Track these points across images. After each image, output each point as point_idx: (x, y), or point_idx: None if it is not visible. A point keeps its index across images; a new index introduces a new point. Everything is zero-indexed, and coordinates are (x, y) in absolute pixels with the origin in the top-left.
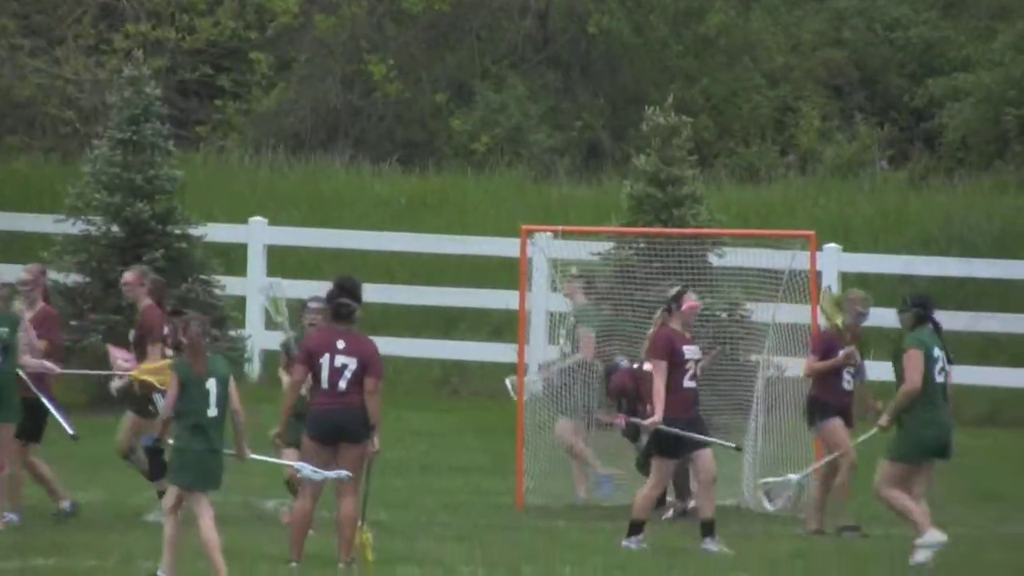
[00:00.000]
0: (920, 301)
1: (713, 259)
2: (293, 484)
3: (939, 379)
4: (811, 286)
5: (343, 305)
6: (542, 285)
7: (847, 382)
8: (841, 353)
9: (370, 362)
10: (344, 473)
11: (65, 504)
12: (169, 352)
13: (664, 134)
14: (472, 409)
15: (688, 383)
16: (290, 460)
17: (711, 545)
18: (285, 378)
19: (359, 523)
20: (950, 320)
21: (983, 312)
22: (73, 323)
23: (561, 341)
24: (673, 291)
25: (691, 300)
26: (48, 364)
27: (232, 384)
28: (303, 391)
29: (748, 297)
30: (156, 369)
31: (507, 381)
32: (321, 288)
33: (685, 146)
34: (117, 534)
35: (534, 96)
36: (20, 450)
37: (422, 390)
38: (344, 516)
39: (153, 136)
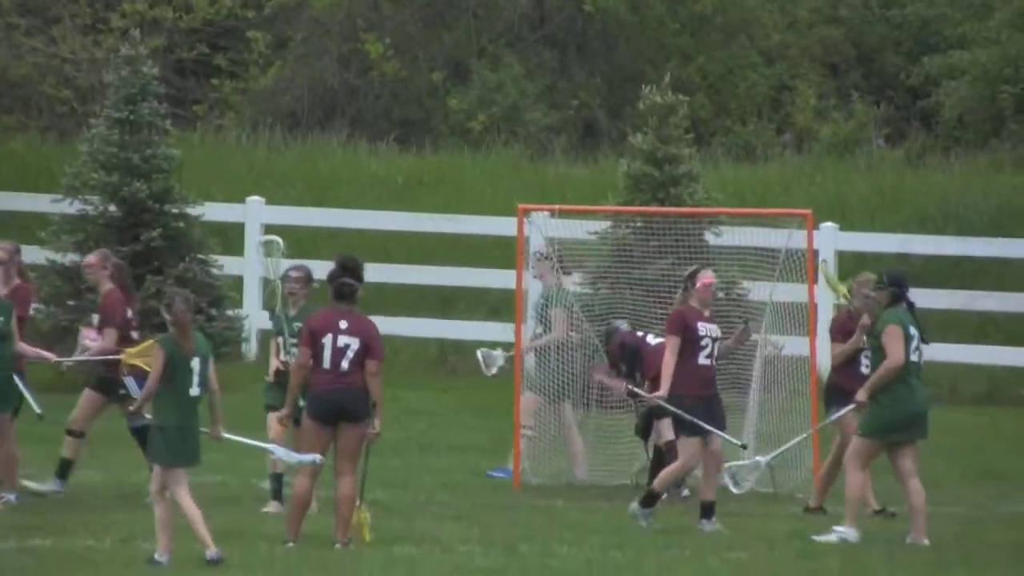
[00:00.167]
0: (896, 280)
1: (710, 238)
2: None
3: (914, 358)
4: (808, 265)
5: (345, 285)
6: None
7: (865, 367)
8: (859, 327)
9: (372, 343)
10: (318, 458)
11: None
12: (134, 335)
13: (661, 113)
14: (469, 388)
15: (703, 360)
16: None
17: (708, 525)
18: (274, 361)
19: (357, 503)
20: (947, 299)
21: (980, 291)
22: (70, 303)
23: (532, 323)
24: (689, 270)
25: (705, 277)
26: (45, 353)
27: (212, 364)
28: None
29: (745, 276)
30: (142, 351)
31: (478, 353)
32: (319, 267)
33: (682, 125)
34: (116, 514)
35: (530, 75)
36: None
37: (419, 369)
38: (342, 496)
39: (150, 115)
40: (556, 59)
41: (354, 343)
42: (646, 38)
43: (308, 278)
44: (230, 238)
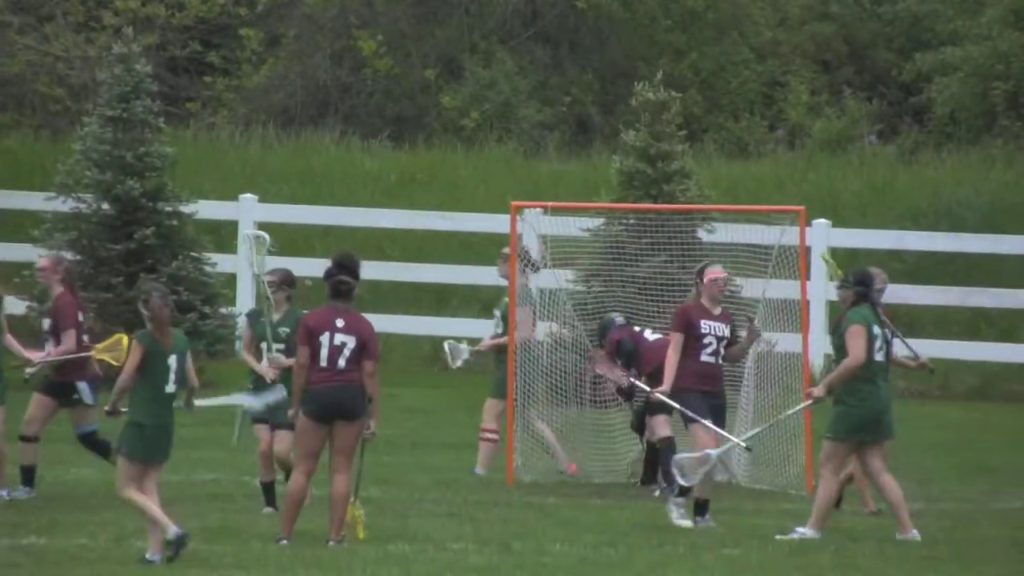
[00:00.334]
0: (861, 279)
1: (703, 234)
2: (287, 463)
3: (878, 357)
4: (800, 261)
5: (342, 283)
6: None
7: None
8: None
9: (368, 343)
10: (281, 392)
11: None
12: (85, 338)
13: (653, 109)
14: (463, 386)
15: (706, 358)
16: (288, 442)
17: (702, 523)
18: (248, 358)
19: (351, 499)
20: (940, 295)
21: (973, 287)
22: None
23: (494, 322)
24: (698, 266)
25: (713, 272)
26: (28, 355)
27: (189, 360)
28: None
29: (738, 272)
30: (110, 345)
31: (445, 344)
32: (313, 264)
33: (674, 121)
34: (108, 513)
35: (523, 71)
36: None
37: (413, 367)
38: (336, 494)
39: (143, 113)
40: (549, 56)
41: (351, 341)
42: (638, 35)
43: (284, 280)
44: (223, 236)
